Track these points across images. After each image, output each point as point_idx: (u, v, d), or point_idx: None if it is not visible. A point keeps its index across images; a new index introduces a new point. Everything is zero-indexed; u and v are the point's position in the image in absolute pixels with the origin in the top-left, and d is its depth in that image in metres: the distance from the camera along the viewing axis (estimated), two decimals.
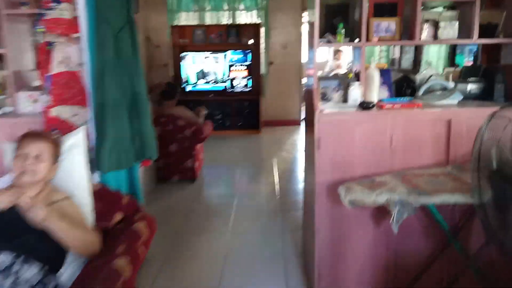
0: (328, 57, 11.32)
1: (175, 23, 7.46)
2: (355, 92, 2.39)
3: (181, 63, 7.27)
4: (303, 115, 7.88)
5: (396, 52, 4.22)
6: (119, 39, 2.15)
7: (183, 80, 7.33)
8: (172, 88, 4.83)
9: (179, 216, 3.73)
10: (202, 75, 7.34)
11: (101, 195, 2.12)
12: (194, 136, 4.51)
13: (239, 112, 7.31)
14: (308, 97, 2.75)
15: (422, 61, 3.68)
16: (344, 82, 2.52)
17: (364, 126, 2.26)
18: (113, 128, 2.13)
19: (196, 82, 7.35)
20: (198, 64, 7.29)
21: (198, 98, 7.26)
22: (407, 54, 3.98)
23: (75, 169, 2.03)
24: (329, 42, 2.49)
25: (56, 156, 1.96)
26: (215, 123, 7.27)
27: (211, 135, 4.92)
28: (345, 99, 2.51)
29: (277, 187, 4.43)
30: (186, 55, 7.25)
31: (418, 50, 3.74)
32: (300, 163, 5.52)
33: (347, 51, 9.97)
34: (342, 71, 9.41)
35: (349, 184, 2.03)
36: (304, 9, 7.59)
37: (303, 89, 7.89)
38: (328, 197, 2.28)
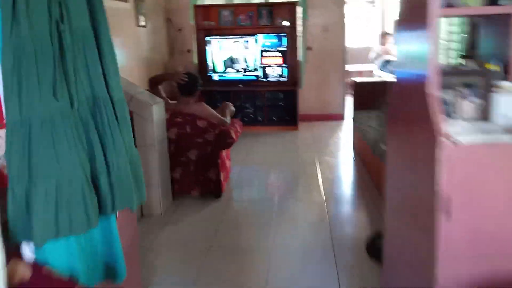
0: (370, 42, 10.07)
1: (199, 2, 6.43)
2: (509, 102, 1.30)
3: (206, 49, 6.27)
4: (347, 109, 6.75)
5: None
6: (60, 3, 1.15)
7: (209, 68, 6.33)
8: (192, 80, 3.83)
9: (195, 253, 2.74)
10: (230, 62, 6.31)
11: None
12: (219, 140, 3.51)
13: (273, 105, 6.25)
14: (398, 100, 1.67)
15: None
16: (481, 81, 1.42)
17: None
18: (50, 164, 1.14)
19: (224, 71, 6.33)
20: (226, 50, 6.26)
21: (226, 89, 6.25)
22: None
23: None
24: (449, 6, 1.40)
25: None
26: (245, 118, 6.25)
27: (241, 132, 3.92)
28: (484, 115, 1.42)
29: (325, 210, 3.37)
30: (211, 39, 6.23)
31: None
32: (348, 173, 4.44)
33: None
34: (391, 58, 8.16)
35: None
36: None
37: (348, 79, 6.75)
38: None
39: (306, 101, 6.54)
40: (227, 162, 3.94)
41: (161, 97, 3.64)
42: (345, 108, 6.72)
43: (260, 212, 3.41)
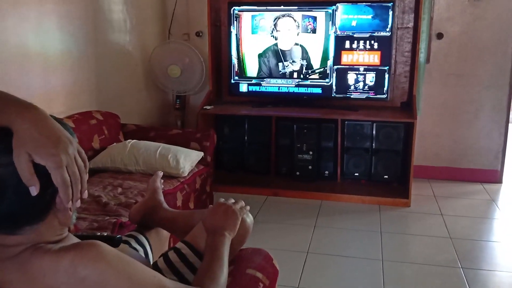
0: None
1: None
2: None
3: (231, 31, 3.10)
4: (509, 158, 3.29)
5: None
6: None
7: (234, 69, 3.15)
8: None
9: None
10: (274, 59, 3.09)
11: None
12: None
13: (356, 148, 2.96)
14: None
15: None
16: None
17: None
18: None
19: (261, 75, 3.13)
20: (267, 34, 3.07)
21: (263, 113, 3.02)
22: None
23: None
24: None
25: None
26: (298, 172, 3.01)
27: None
28: None
29: None
30: (241, 11, 3.06)
31: None
32: None
33: None
34: None
35: None
36: None
37: None
38: None
39: (424, 141, 3.17)
40: None
41: None
42: (505, 161, 3.24)
43: None
